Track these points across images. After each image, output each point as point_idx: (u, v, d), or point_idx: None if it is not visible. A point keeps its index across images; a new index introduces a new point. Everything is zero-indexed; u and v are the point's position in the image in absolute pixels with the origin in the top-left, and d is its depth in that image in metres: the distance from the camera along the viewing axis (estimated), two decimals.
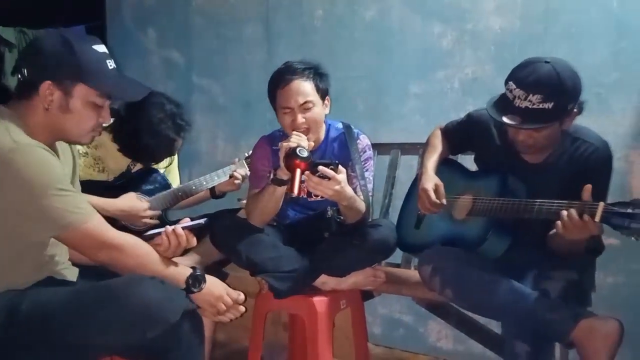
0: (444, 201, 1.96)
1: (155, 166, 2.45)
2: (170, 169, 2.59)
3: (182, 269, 1.59)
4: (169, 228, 1.61)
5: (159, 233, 1.62)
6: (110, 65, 1.53)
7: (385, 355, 2.77)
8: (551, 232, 1.75)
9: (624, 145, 2.25)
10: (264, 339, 2.13)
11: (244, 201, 2.20)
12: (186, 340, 1.51)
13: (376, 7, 2.82)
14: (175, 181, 2.63)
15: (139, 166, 2.40)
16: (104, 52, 1.52)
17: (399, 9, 2.75)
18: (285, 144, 1.84)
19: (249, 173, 2.39)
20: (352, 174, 2.08)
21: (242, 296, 1.65)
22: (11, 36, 4.13)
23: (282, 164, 1.85)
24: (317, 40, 3.00)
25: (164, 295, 1.41)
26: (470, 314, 2.12)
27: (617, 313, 1.72)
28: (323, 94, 2.07)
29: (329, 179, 1.80)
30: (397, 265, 2.39)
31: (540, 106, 1.70)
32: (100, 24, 3.83)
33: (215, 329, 2.16)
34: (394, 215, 2.37)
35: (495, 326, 2.10)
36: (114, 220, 2.06)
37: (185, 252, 1.80)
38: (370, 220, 2.15)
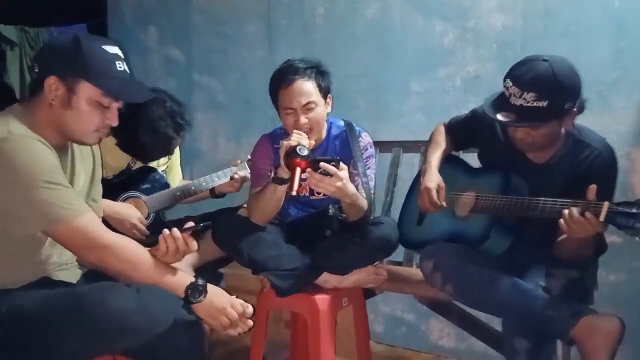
0: (444, 204, 1.96)
1: (154, 164, 2.45)
2: (171, 166, 2.59)
3: (182, 277, 1.51)
4: (166, 231, 1.53)
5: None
6: (120, 67, 1.51)
7: (387, 353, 2.77)
8: (558, 239, 1.75)
9: (625, 143, 2.25)
10: (266, 337, 2.13)
11: (245, 205, 2.20)
12: (181, 351, 1.46)
13: (377, 5, 2.81)
14: (177, 177, 2.63)
15: (139, 164, 2.40)
16: (115, 54, 1.51)
17: (400, 7, 2.75)
18: (285, 142, 1.84)
19: (249, 175, 2.39)
20: (354, 171, 2.08)
21: (249, 309, 1.55)
22: (12, 34, 4.12)
23: (282, 162, 1.84)
24: (318, 38, 2.99)
25: (136, 305, 1.34)
26: (472, 311, 2.12)
27: (619, 311, 1.72)
28: (325, 92, 2.06)
29: (331, 175, 1.80)
30: (399, 263, 2.39)
31: (535, 104, 1.69)
32: (101, 22, 3.83)
33: (213, 330, 2.16)
34: (395, 214, 2.37)
35: (497, 324, 2.10)
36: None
37: None
38: (372, 218, 2.15)
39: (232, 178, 2.40)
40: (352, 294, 2.16)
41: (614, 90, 2.28)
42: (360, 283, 2.10)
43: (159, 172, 2.44)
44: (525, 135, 1.81)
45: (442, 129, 2.18)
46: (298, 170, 1.76)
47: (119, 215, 2.18)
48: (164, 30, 3.57)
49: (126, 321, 1.33)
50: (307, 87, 2.00)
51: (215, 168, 2.47)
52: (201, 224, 1.61)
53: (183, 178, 2.69)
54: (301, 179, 1.79)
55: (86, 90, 1.47)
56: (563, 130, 1.85)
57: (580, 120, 1.90)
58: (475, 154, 2.16)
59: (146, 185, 2.36)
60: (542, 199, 1.73)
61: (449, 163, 2.11)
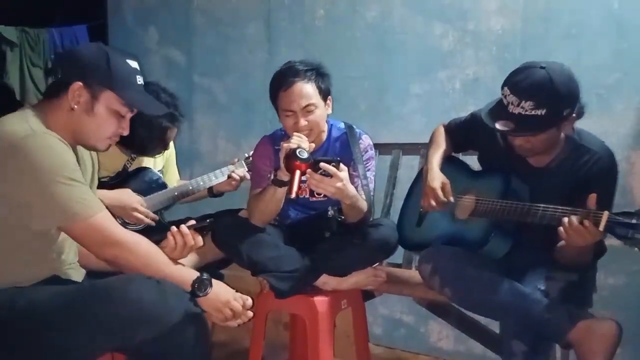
0: (452, 199, 1.95)
1: (151, 165, 2.44)
2: (168, 166, 2.58)
3: (188, 271, 1.58)
4: (175, 228, 1.61)
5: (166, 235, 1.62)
6: (139, 81, 1.60)
7: (386, 355, 2.77)
8: (558, 245, 1.76)
9: (625, 146, 2.25)
10: (265, 339, 2.13)
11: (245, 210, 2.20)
12: (189, 344, 1.49)
13: (377, 7, 2.82)
14: (174, 178, 2.62)
15: (135, 165, 2.40)
16: (136, 68, 1.60)
17: (400, 9, 2.75)
18: (285, 144, 1.84)
19: (247, 174, 2.39)
20: (354, 173, 2.08)
21: (249, 301, 1.64)
22: (13, 35, 4.13)
23: (282, 164, 1.85)
24: (318, 40, 3.00)
25: (158, 296, 1.40)
26: (471, 314, 2.12)
27: (617, 314, 1.73)
28: (325, 94, 2.06)
29: (331, 176, 1.80)
30: (398, 265, 2.39)
31: (533, 113, 1.69)
32: (102, 23, 3.83)
33: (213, 329, 2.16)
34: (395, 216, 2.37)
35: (496, 326, 2.10)
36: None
37: None
38: (371, 220, 2.15)
39: (229, 177, 2.39)
40: (351, 295, 2.16)
41: (614, 92, 2.28)
42: (359, 285, 2.11)
43: (156, 173, 2.42)
44: (524, 142, 1.81)
45: (442, 130, 2.18)
46: (297, 173, 1.76)
47: (120, 202, 2.18)
48: (165, 31, 3.57)
49: (148, 311, 1.38)
50: (307, 90, 2.00)
51: (215, 169, 2.46)
52: (207, 220, 1.70)
53: (181, 179, 2.68)
54: (301, 181, 1.79)
55: (108, 99, 1.54)
56: (563, 134, 1.85)
57: (580, 123, 1.91)
58: (475, 156, 2.16)
59: (144, 186, 2.36)
60: (543, 205, 1.73)
61: (450, 164, 2.11)
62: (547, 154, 1.88)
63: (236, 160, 2.46)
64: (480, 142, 2.06)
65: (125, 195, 2.23)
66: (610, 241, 1.96)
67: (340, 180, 1.81)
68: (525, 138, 1.79)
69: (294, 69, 2.02)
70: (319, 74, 2.05)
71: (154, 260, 1.54)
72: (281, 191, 1.93)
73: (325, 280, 2.03)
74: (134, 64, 1.59)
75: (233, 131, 3.35)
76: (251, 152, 2.36)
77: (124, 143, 2.25)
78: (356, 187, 2.02)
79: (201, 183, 2.41)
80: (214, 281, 1.59)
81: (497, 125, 1.76)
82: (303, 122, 2.00)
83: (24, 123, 1.43)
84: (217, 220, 2.07)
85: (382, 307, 2.82)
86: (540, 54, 1.82)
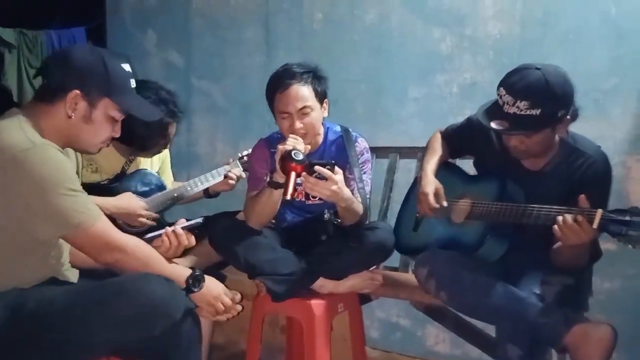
0: (445, 203, 1.96)
1: (147, 165, 2.44)
2: (163, 169, 2.58)
3: (182, 269, 1.64)
4: (169, 229, 1.67)
5: (159, 235, 1.67)
6: (133, 85, 1.60)
7: (382, 359, 2.76)
8: (554, 247, 1.76)
9: (621, 150, 2.26)
10: (262, 342, 2.13)
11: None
12: (186, 339, 1.55)
13: (376, 10, 2.82)
14: (169, 180, 2.62)
15: (133, 167, 2.40)
16: (129, 72, 1.60)
17: (398, 13, 2.76)
18: (281, 146, 1.85)
19: (243, 173, 2.39)
20: (350, 176, 2.08)
21: (238, 295, 1.71)
22: (11, 37, 4.13)
23: (277, 166, 1.85)
24: (316, 44, 3.00)
25: (169, 292, 1.46)
26: (467, 318, 2.12)
27: (613, 317, 1.73)
28: (321, 97, 2.07)
29: (326, 179, 1.80)
30: (395, 269, 2.39)
31: (528, 112, 1.71)
32: (100, 25, 3.83)
33: (213, 332, 2.16)
34: (392, 219, 2.38)
35: (492, 330, 2.10)
36: (112, 220, 2.05)
37: (183, 253, 1.82)
38: (367, 223, 2.15)
39: (226, 176, 2.39)
40: (348, 299, 2.16)
41: (611, 97, 2.29)
42: (356, 288, 2.11)
43: (155, 174, 2.42)
44: (519, 143, 1.82)
45: (438, 136, 2.19)
46: (293, 174, 1.77)
47: (121, 209, 2.18)
48: (163, 34, 3.58)
49: (161, 306, 1.43)
50: (303, 92, 2.01)
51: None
52: (199, 219, 1.77)
53: (179, 181, 2.68)
54: (296, 184, 1.79)
55: (105, 106, 1.55)
56: (557, 137, 1.86)
57: (577, 127, 1.91)
58: (471, 162, 2.17)
59: (143, 189, 2.35)
60: (537, 206, 1.74)
61: (445, 170, 2.12)
62: (541, 157, 1.88)
63: (231, 160, 2.46)
64: (476, 145, 2.07)
65: (128, 201, 2.23)
66: (606, 245, 1.97)
67: (335, 183, 1.81)
68: (520, 139, 1.80)
69: (290, 72, 2.03)
70: (315, 77, 2.05)
71: (151, 261, 1.58)
72: (277, 193, 1.93)
73: (322, 284, 2.03)
74: (127, 67, 1.60)
75: (231, 134, 3.35)
76: (245, 152, 2.36)
77: (125, 141, 2.24)
78: (352, 190, 2.02)
79: (199, 184, 2.41)
80: (205, 276, 1.66)
81: (492, 125, 1.78)
82: (299, 124, 2.00)
83: (20, 133, 1.43)
84: (213, 223, 2.08)
85: (379, 310, 2.82)
86: (538, 58, 1.82)
